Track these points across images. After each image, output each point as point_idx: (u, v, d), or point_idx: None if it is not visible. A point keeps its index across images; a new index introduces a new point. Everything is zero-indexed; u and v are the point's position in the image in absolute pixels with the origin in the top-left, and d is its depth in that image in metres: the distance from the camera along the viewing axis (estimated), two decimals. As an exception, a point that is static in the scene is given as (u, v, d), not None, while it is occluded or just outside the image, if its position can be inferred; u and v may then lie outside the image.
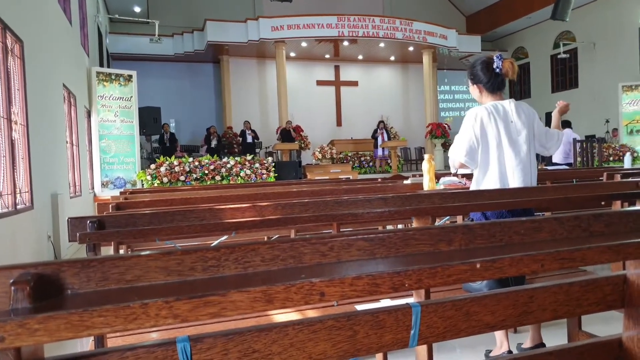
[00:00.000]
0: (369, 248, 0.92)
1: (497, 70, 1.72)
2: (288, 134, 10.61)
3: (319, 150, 10.20)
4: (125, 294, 0.69)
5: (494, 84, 1.76)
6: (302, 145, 11.47)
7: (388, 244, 0.94)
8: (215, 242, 2.21)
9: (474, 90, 1.83)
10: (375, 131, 11.26)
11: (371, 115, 13.13)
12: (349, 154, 11.71)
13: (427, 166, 2.63)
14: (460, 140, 1.76)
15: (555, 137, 1.77)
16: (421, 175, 3.01)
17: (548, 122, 10.43)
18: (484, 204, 1.70)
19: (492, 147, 1.73)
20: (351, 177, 8.67)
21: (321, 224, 1.71)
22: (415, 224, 1.79)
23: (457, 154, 1.77)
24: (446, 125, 12.29)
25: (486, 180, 1.77)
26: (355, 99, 13.40)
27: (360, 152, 11.84)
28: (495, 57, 1.71)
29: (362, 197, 1.90)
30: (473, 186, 1.84)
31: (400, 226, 3.52)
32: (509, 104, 1.75)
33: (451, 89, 14.69)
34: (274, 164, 8.45)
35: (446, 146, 12.23)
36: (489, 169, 1.75)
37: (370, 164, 11.54)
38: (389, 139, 11.36)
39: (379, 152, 10.97)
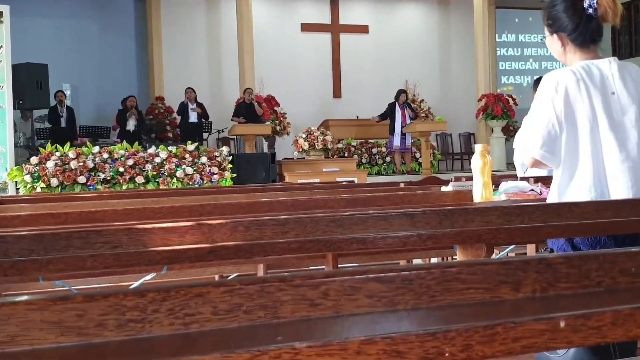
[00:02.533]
0: (386, 294, 0.89)
1: (590, 10, 1.63)
2: (254, 109, 10.71)
3: (304, 136, 10.31)
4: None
5: (584, 32, 1.67)
6: (278, 127, 11.68)
7: (417, 287, 0.91)
8: (138, 283, 2.19)
9: (553, 44, 1.74)
10: (393, 107, 11.32)
11: (388, 81, 13.17)
12: (353, 143, 11.98)
13: (479, 164, 2.67)
14: (533, 125, 1.68)
15: None
16: (469, 179, 3.07)
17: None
18: (571, 225, 1.68)
19: (584, 133, 1.64)
20: (356, 180, 8.76)
21: (308, 255, 1.74)
22: (460, 256, 1.83)
23: (528, 145, 1.70)
24: (509, 99, 12.43)
25: (574, 187, 1.69)
26: (364, 54, 13.36)
27: (372, 141, 12.12)
28: None
29: (373, 212, 1.93)
30: (553, 196, 1.80)
31: (435, 260, 3.57)
32: (608, 66, 1.67)
33: (518, 40, 14.51)
34: (231, 157, 8.51)
35: (510, 131, 12.23)
36: (577, 169, 1.66)
37: (387, 159, 11.75)
38: (415, 118, 11.56)
39: (399, 139, 11.13)
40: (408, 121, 11.15)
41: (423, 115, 13.17)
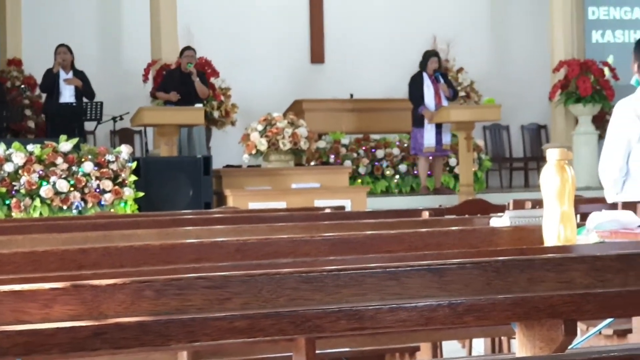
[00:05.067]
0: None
1: None
2: (193, 85, 11.05)
3: (260, 128, 10.32)
4: None
5: None
6: (215, 113, 11.97)
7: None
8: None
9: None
10: (420, 81, 11.50)
11: (404, 37, 13.55)
12: (345, 140, 12.26)
13: (554, 181, 2.71)
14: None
15: None
16: (538, 205, 3.20)
17: None
18: None
19: None
20: (350, 206, 8.96)
21: (265, 339, 1.75)
22: (521, 340, 1.86)
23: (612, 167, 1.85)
24: (605, 69, 12.62)
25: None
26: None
27: (376, 137, 12.49)
28: None
29: (377, 265, 1.96)
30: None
31: (482, 345, 3.55)
32: None
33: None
34: (135, 164, 8.44)
35: (605, 124, 12.66)
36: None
37: (403, 166, 12.17)
38: (454, 98, 11.94)
39: (432, 135, 11.33)
40: (444, 103, 11.35)
41: (462, 94, 13.31)
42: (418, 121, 11.32)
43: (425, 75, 11.35)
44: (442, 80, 11.41)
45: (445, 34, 13.74)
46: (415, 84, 11.40)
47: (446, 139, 11.42)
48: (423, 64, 11.44)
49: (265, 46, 13.22)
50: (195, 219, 4.33)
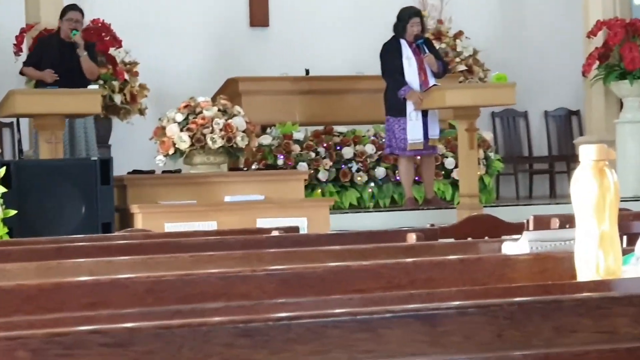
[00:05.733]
0: None
1: None
2: (55, 53, 11.05)
3: (179, 118, 10.37)
4: None
5: None
6: (120, 98, 12.03)
7: None
8: None
9: None
10: (396, 50, 11.57)
11: None
12: (298, 134, 12.37)
13: (592, 188, 2.72)
14: None
15: None
16: (568, 223, 3.14)
17: None
18: None
19: None
20: (306, 227, 8.98)
21: None
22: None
23: None
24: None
25: None
26: None
27: (341, 130, 12.58)
28: None
29: (344, 311, 1.95)
30: None
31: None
32: None
33: None
34: (3, 169, 8.29)
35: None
36: None
37: (380, 170, 12.28)
38: (444, 73, 11.86)
39: (417, 126, 11.37)
40: (431, 81, 11.40)
41: (462, 69, 13.45)
42: (396, 108, 11.39)
43: (404, 43, 11.40)
44: (427, 50, 11.42)
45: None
46: (390, 56, 11.44)
47: (433, 131, 11.52)
48: (400, 28, 11.46)
49: (186, 4, 13.30)
50: (89, 247, 4.31)
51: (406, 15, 11.53)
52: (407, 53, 11.31)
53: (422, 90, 11.23)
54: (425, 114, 11.30)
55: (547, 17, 14.27)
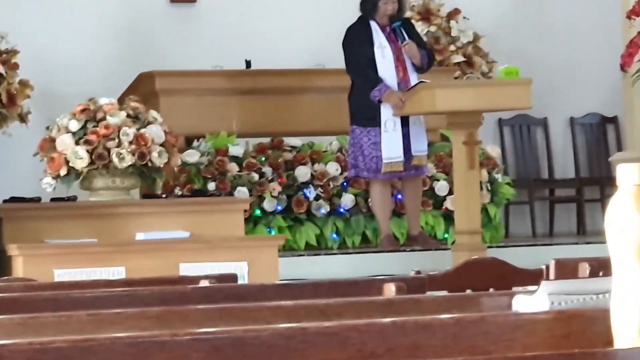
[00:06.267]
0: None
1: None
2: None
3: (74, 127, 10.24)
4: None
5: None
6: None
7: None
8: None
9: None
10: (363, 31, 11.67)
11: None
12: (235, 149, 12.47)
13: (633, 222, 2.72)
14: None
15: None
16: (601, 270, 3.19)
17: None
18: None
19: None
20: (247, 273, 8.95)
21: None
22: None
23: None
24: None
25: None
26: None
27: (294, 143, 12.68)
28: None
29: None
30: None
31: None
32: None
33: None
34: None
35: None
36: None
37: (350, 198, 12.34)
38: (428, 67, 11.96)
39: (390, 142, 11.48)
40: (413, 78, 11.46)
41: (458, 60, 13.59)
42: (364, 114, 11.44)
43: (375, 26, 11.44)
44: (405, 36, 11.50)
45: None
46: (357, 44, 11.49)
47: (419, 145, 11.55)
48: (369, 5, 11.49)
49: None
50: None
51: None
52: (379, 40, 11.34)
53: (400, 89, 11.27)
54: (405, 122, 11.36)
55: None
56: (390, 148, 11.12)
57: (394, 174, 11.36)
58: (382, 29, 11.29)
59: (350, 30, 11.48)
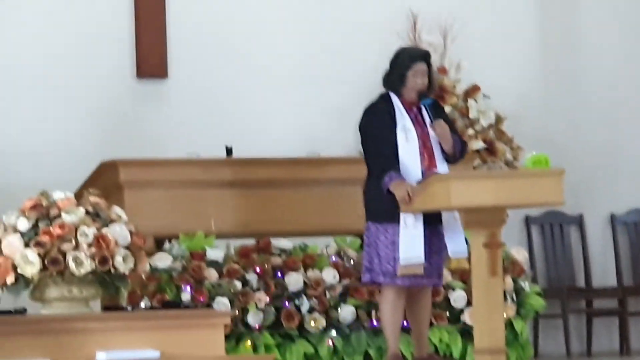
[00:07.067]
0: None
1: None
2: None
3: (24, 225, 10.05)
4: None
5: None
6: None
7: None
8: None
9: None
10: (385, 110, 11.49)
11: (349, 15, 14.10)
12: (217, 251, 12.38)
13: None
14: None
15: None
16: None
17: None
18: None
19: None
20: None
21: None
22: None
23: None
24: None
25: None
26: None
27: (284, 246, 12.59)
28: None
29: None
30: None
31: None
32: None
33: None
34: None
35: None
36: None
37: (350, 310, 12.19)
38: (462, 155, 11.96)
39: (409, 241, 11.15)
40: (441, 170, 11.24)
41: (478, 147, 13.56)
42: (382, 209, 11.13)
43: (398, 104, 11.19)
44: (435, 113, 11.24)
45: (431, 10, 14.02)
46: (380, 125, 11.18)
47: (456, 245, 11.26)
48: (395, 78, 11.23)
49: (37, 40, 13.35)
50: None
51: (406, 58, 11.30)
52: (403, 121, 11.00)
53: (424, 180, 10.97)
54: (437, 218, 11.17)
55: (613, 62, 14.29)
56: (409, 247, 10.80)
57: (413, 279, 11.00)
58: (408, 108, 11.00)
59: (371, 110, 11.18)
